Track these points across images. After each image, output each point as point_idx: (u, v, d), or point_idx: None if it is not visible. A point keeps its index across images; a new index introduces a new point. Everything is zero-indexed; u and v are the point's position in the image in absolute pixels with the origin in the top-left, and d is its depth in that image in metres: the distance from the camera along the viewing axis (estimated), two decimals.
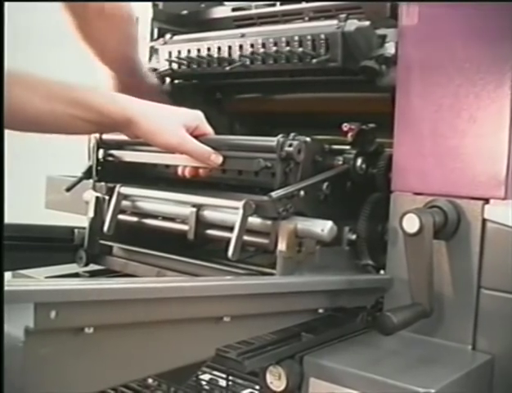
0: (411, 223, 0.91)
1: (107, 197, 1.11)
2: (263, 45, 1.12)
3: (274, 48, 1.11)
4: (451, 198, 0.96)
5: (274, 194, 0.92)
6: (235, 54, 1.16)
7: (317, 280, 0.96)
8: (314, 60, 1.06)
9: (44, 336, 0.64)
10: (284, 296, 0.89)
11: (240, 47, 1.15)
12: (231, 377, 1.12)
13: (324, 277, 0.99)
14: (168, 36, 1.30)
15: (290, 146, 0.95)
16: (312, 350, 0.93)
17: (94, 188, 1.14)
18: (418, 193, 1.00)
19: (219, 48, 1.18)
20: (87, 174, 1.17)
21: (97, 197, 1.12)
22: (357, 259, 1.06)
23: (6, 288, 0.61)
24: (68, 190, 1.18)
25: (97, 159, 1.16)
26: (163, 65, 1.29)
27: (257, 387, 1.04)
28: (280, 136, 0.95)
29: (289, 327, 0.94)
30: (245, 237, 0.94)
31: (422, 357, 0.92)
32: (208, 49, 1.20)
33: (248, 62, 1.15)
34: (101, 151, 1.16)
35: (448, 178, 0.97)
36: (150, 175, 1.15)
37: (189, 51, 1.23)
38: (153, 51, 1.35)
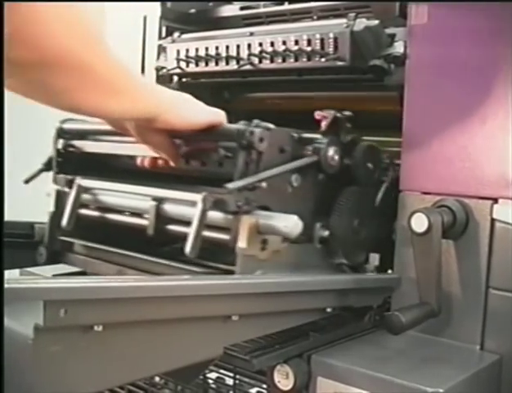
0: (420, 223, 0.91)
1: (68, 190, 1.05)
2: (272, 44, 1.12)
3: (282, 47, 1.11)
4: (459, 198, 0.96)
5: (230, 185, 0.84)
6: (244, 53, 1.16)
7: (326, 279, 0.96)
8: (322, 59, 1.06)
9: (53, 333, 0.65)
10: (292, 295, 0.89)
11: (249, 45, 1.15)
12: (238, 376, 1.12)
13: (332, 276, 0.99)
14: (176, 34, 1.30)
15: (252, 134, 0.87)
16: (319, 349, 0.93)
17: (54, 181, 1.08)
18: (426, 192, 0.99)
19: (227, 47, 1.18)
20: (48, 166, 1.11)
21: (58, 190, 1.06)
22: (331, 258, 1.01)
23: (15, 286, 0.61)
24: (27, 182, 1.12)
25: (57, 149, 1.09)
26: (171, 64, 1.29)
27: (264, 386, 1.04)
28: (241, 123, 0.89)
29: (298, 326, 0.94)
30: (206, 233, 0.88)
31: (430, 357, 0.92)
32: (217, 48, 1.20)
33: (256, 61, 1.15)
34: (61, 141, 1.09)
35: (457, 178, 0.97)
36: (113, 167, 1.08)
37: (197, 49, 1.23)
38: (161, 49, 1.35)
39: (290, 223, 0.85)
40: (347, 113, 1.01)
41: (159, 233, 0.95)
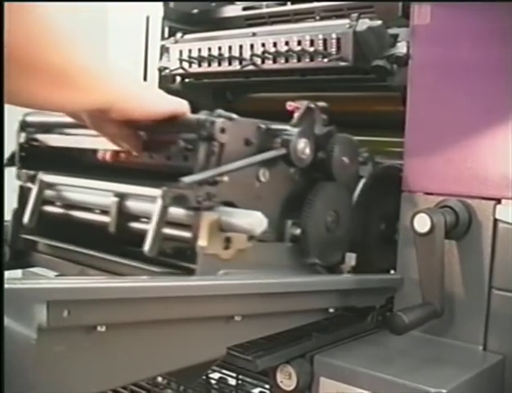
0: (423, 223, 0.91)
1: (31, 186, 0.98)
2: (274, 44, 1.12)
3: (285, 47, 1.11)
4: (462, 198, 0.96)
5: (187, 179, 0.78)
6: (246, 53, 1.16)
7: (328, 279, 0.96)
8: (325, 60, 1.06)
9: (56, 334, 0.65)
10: (295, 296, 0.89)
11: (251, 46, 1.16)
12: (240, 376, 1.12)
13: (335, 276, 0.98)
14: (178, 35, 1.30)
15: (212, 124, 0.81)
16: (322, 350, 0.93)
17: (17, 176, 1.02)
18: (429, 193, 0.99)
19: (230, 47, 1.19)
20: (11, 161, 1.04)
21: (21, 186, 1.01)
22: (303, 258, 0.95)
23: (19, 286, 0.62)
24: None
25: (20, 144, 1.04)
26: (173, 64, 1.29)
27: (267, 386, 1.04)
28: (202, 112, 0.84)
29: (300, 326, 0.94)
30: (167, 231, 0.82)
31: (433, 357, 0.92)
32: (219, 48, 1.20)
33: (259, 61, 1.15)
34: (24, 135, 1.04)
35: (459, 178, 0.97)
36: (79, 161, 1.02)
37: (200, 50, 1.23)
38: (164, 50, 1.35)
39: (254, 221, 0.80)
40: (321, 104, 0.97)
41: (123, 231, 0.90)
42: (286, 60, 1.11)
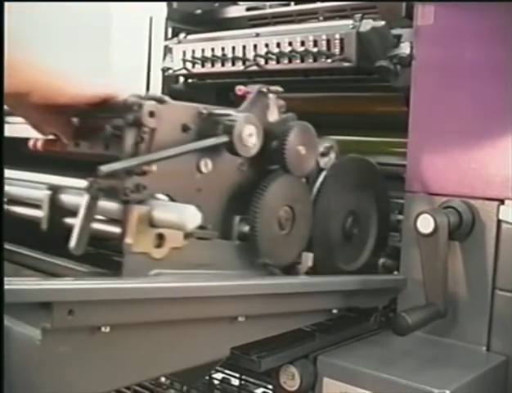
0: (426, 224, 0.91)
1: None
2: (278, 44, 1.12)
3: (289, 48, 1.11)
4: (465, 199, 0.96)
5: (104, 168, 0.69)
6: (250, 54, 1.16)
7: (332, 280, 0.95)
8: (329, 60, 1.06)
9: (61, 334, 0.65)
10: (298, 296, 0.88)
11: (255, 46, 1.16)
12: (243, 377, 1.12)
13: (338, 277, 0.98)
14: (182, 35, 1.30)
15: (140, 107, 0.72)
16: (325, 350, 0.93)
17: None
18: (432, 193, 0.99)
19: (233, 48, 1.19)
20: None
21: None
22: (253, 257, 0.87)
23: (23, 287, 0.62)
24: None
25: None
26: (177, 65, 1.29)
27: (270, 387, 1.04)
28: (133, 95, 0.75)
29: (303, 326, 0.94)
30: (98, 227, 0.76)
31: (436, 358, 0.92)
32: (223, 49, 1.20)
33: (262, 62, 1.15)
34: None
35: (463, 179, 0.97)
36: (10, 151, 0.89)
37: (203, 50, 1.24)
38: (167, 50, 1.35)
39: (187, 214, 0.70)
40: (275, 88, 0.90)
41: (57, 227, 0.82)
42: (289, 61, 1.11)
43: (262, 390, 1.17)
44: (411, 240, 0.98)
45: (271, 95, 0.89)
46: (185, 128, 0.78)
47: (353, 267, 1.05)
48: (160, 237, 0.74)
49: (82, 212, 0.72)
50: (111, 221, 0.77)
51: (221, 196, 0.84)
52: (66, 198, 0.82)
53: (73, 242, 0.72)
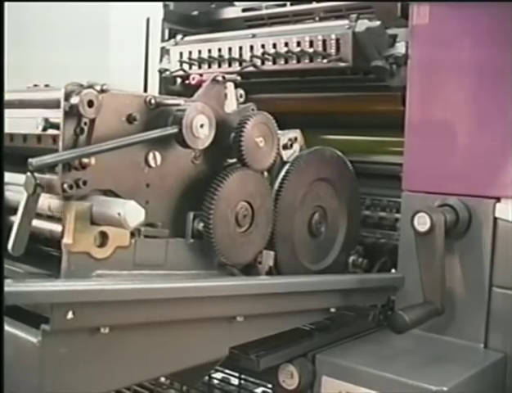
0: (423, 222, 0.91)
1: None
2: (274, 45, 1.13)
3: (285, 49, 1.11)
4: (462, 197, 0.96)
5: (34, 161, 0.63)
6: (246, 54, 1.16)
7: (330, 279, 0.96)
8: (325, 60, 1.06)
9: (60, 336, 0.65)
10: (296, 296, 0.88)
11: (251, 47, 1.16)
12: (243, 376, 1.12)
13: (336, 276, 0.98)
14: (179, 37, 1.31)
15: (79, 96, 0.67)
16: (324, 349, 0.93)
17: None
18: (429, 192, 1.00)
19: (230, 49, 1.19)
20: None
21: None
22: (208, 256, 0.83)
23: (23, 288, 0.62)
24: None
25: None
26: (174, 66, 1.29)
27: (269, 386, 1.04)
28: (69, 83, 0.69)
29: (302, 325, 0.94)
30: (41, 225, 0.72)
31: (434, 355, 0.93)
32: (219, 50, 1.21)
33: (258, 62, 1.15)
34: None
35: (459, 177, 0.97)
36: None
37: (200, 51, 1.24)
38: (164, 51, 1.35)
39: (126, 210, 0.65)
40: (232, 76, 0.87)
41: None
42: (286, 61, 1.12)
43: (262, 389, 1.17)
44: (409, 238, 0.98)
45: (229, 84, 0.85)
46: (130, 119, 0.74)
47: (321, 266, 1.03)
48: (103, 235, 0.71)
49: (20, 210, 0.68)
50: (55, 219, 0.73)
51: (173, 192, 0.81)
52: (10, 195, 0.78)
53: (11, 243, 0.68)
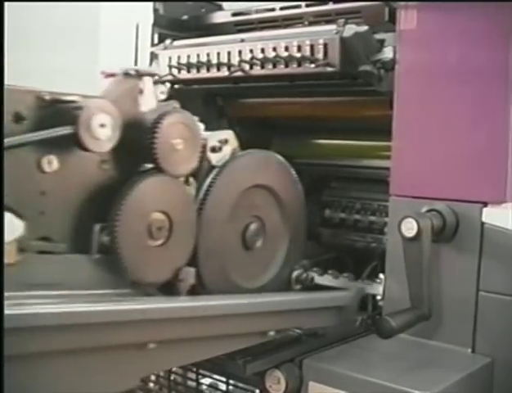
0: (409, 227, 0.91)
1: None
2: (262, 50, 1.13)
3: (273, 53, 1.11)
4: (449, 202, 0.96)
5: None
6: (235, 59, 1.16)
7: (266, 300, 0.85)
8: (313, 65, 1.06)
9: None
10: (220, 319, 0.77)
11: (239, 52, 1.16)
12: (231, 381, 1.12)
13: (273, 296, 0.87)
14: (168, 41, 1.31)
15: None
16: (311, 354, 0.93)
17: None
18: (416, 197, 1.00)
19: (218, 54, 1.19)
20: None
21: None
22: (116, 273, 0.73)
23: None
24: None
25: None
26: (163, 71, 1.29)
27: (257, 391, 1.04)
28: None
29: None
30: None
31: (421, 360, 0.93)
32: (208, 54, 1.21)
33: (247, 67, 1.15)
34: None
35: (446, 182, 0.97)
36: None
37: (189, 56, 1.24)
38: (153, 56, 1.35)
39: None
40: (150, 71, 0.79)
41: None
42: (274, 66, 1.12)
43: None
44: (396, 243, 0.98)
45: (146, 78, 0.77)
46: (17, 118, 0.66)
47: (257, 283, 0.94)
48: None
49: None
50: None
51: (75, 201, 0.72)
52: None
53: None
